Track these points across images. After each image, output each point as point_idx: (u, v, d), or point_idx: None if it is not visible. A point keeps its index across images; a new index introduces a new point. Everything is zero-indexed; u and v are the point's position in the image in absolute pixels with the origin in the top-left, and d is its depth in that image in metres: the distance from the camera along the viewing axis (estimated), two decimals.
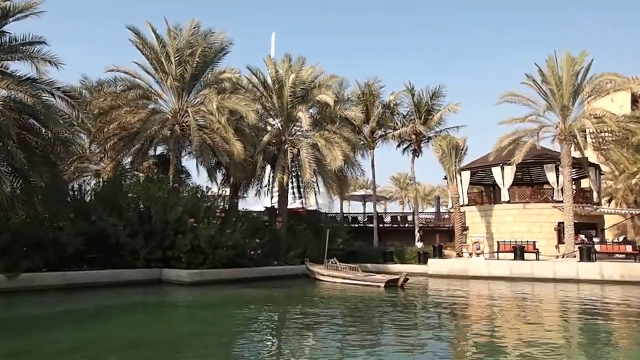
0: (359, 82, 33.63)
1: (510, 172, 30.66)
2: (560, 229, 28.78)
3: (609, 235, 33.90)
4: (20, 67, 16.58)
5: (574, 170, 31.45)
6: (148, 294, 16.05)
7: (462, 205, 33.77)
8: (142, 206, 18.81)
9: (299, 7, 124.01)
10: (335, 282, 21.04)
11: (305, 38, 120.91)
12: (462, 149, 28.83)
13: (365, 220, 36.01)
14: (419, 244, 30.89)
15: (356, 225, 36.06)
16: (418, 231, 31.58)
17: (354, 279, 20.27)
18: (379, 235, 34.03)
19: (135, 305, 13.66)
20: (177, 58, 22.44)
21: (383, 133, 34.30)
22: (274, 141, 25.09)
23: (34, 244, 15.39)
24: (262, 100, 25.53)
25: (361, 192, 38.83)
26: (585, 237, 28.49)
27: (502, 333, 10.47)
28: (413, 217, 33.86)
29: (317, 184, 29.36)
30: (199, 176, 28.12)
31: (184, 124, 22.58)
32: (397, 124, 34.33)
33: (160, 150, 26.03)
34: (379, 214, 35.74)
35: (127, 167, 22.18)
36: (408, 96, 33.86)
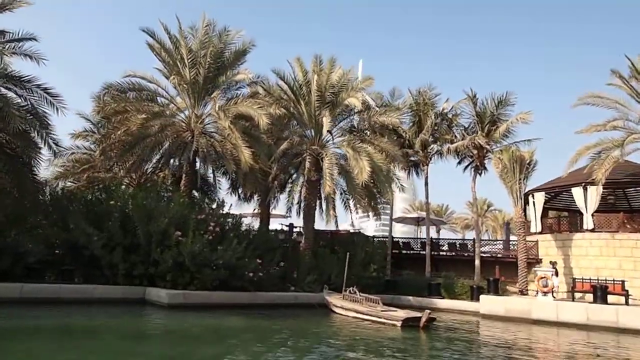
0: (412, 91, 30.02)
1: (594, 193, 24.88)
2: None
3: None
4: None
5: None
6: (107, 315, 13.79)
7: (534, 233, 28.34)
8: (127, 216, 16.85)
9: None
10: (347, 315, 17.45)
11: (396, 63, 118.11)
12: (528, 164, 23.79)
13: (419, 247, 31.59)
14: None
15: (408, 252, 31.86)
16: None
17: (367, 314, 16.53)
18: (435, 265, 29.51)
19: (64, 328, 11.35)
20: (190, 60, 20.82)
21: (439, 147, 30.08)
22: (295, 152, 22.29)
23: None
24: (287, 105, 22.99)
25: (414, 215, 34.41)
26: None
27: None
28: (474, 245, 28.88)
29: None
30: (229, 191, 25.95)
31: (196, 131, 20.73)
32: (455, 136, 29.96)
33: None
34: (434, 240, 31.17)
35: (135, 176, 20.63)
36: (469, 105, 29.50)
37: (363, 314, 16.68)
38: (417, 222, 33.10)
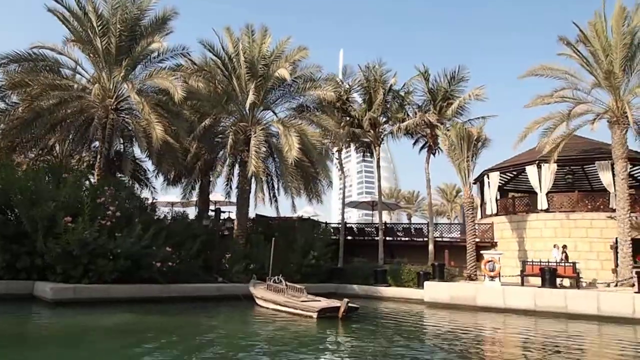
0: (361, 67, 28.19)
1: (548, 171, 23.52)
2: (617, 247, 21.25)
3: None
4: None
5: (635, 168, 23.76)
6: None
7: (489, 215, 27.00)
8: (10, 201, 14.73)
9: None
10: (268, 307, 15.69)
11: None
12: (477, 140, 22.21)
13: (373, 232, 30.01)
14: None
15: (364, 238, 30.27)
16: None
17: (285, 305, 14.80)
18: (390, 251, 27.95)
19: None
20: (100, 27, 18.62)
21: (391, 127, 28.40)
22: (223, 130, 20.33)
23: None
24: (212, 78, 20.94)
25: (367, 199, 32.83)
26: None
27: None
28: (428, 230, 27.43)
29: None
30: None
31: (109, 106, 18.60)
32: (408, 115, 28.30)
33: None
34: (389, 226, 29.61)
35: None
36: (422, 82, 27.83)
37: (282, 305, 14.95)
38: (372, 206, 31.48)
